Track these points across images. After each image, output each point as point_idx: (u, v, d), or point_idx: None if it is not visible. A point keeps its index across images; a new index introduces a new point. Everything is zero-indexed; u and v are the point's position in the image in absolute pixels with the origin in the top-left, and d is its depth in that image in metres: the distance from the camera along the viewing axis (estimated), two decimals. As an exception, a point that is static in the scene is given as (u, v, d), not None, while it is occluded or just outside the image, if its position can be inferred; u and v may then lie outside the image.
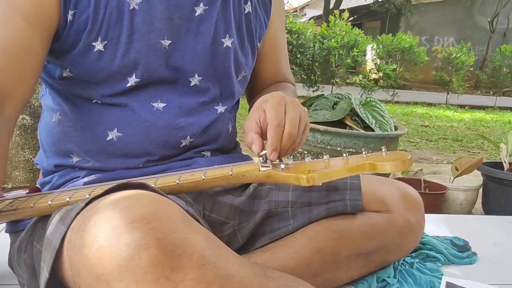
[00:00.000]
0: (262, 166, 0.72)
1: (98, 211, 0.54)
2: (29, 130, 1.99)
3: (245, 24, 0.87)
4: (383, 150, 0.72)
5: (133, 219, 0.50)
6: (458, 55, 7.50)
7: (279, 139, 0.70)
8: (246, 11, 0.87)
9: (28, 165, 2.00)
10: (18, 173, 2.01)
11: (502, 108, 7.84)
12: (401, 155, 0.71)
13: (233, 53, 0.84)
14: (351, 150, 1.98)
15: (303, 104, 2.42)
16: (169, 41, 0.77)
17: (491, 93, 8.87)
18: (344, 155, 0.74)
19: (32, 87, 0.72)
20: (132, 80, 0.75)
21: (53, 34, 0.72)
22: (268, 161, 0.72)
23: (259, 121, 0.73)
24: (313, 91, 6.68)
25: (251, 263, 0.56)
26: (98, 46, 0.73)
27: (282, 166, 0.71)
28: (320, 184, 0.68)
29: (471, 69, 7.82)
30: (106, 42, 0.73)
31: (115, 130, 0.77)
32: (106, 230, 0.50)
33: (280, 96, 0.74)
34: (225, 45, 0.83)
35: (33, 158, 1.96)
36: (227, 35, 0.83)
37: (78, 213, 0.58)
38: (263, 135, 0.73)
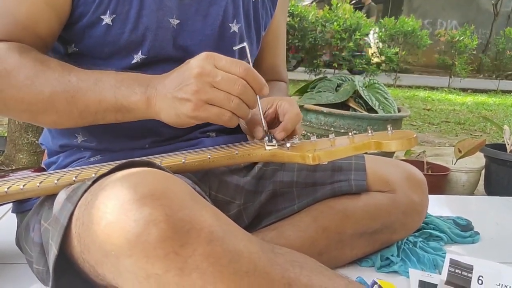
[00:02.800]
0: (267, 145, 0.72)
1: (106, 188, 0.54)
2: (31, 114, 1.98)
3: (252, 11, 0.86)
4: (389, 129, 0.72)
5: (141, 196, 0.50)
6: (461, 38, 7.42)
7: (294, 125, 0.74)
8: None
9: (31, 147, 2.00)
10: (21, 156, 2.01)
11: (505, 92, 7.78)
12: (407, 133, 0.71)
13: (239, 39, 0.84)
14: (354, 132, 1.97)
15: (306, 87, 2.41)
16: (178, 21, 0.76)
17: (494, 76, 8.81)
18: (350, 134, 0.74)
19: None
20: (137, 57, 0.75)
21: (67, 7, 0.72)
22: (273, 140, 0.73)
23: (265, 112, 0.76)
24: (315, 75, 6.65)
25: (259, 240, 0.56)
26: (106, 19, 0.72)
27: (288, 145, 0.71)
28: (326, 162, 0.68)
29: (474, 52, 7.74)
30: (114, 16, 0.73)
31: None
32: (114, 207, 0.51)
33: (298, 108, 0.79)
34: (232, 30, 0.83)
35: (36, 141, 1.97)
36: (235, 20, 0.83)
37: (85, 191, 0.58)
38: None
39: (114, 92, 0.66)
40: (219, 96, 0.62)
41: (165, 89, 0.64)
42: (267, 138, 0.73)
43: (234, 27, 0.83)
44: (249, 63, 0.68)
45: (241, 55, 0.86)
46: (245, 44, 0.71)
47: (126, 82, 0.66)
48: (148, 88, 0.65)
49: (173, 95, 0.63)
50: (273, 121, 0.76)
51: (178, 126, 0.66)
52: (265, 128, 0.73)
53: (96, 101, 0.66)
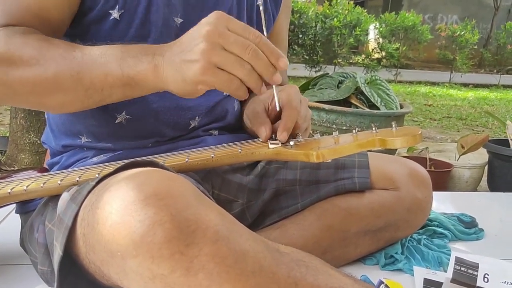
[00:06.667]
0: (271, 144, 0.72)
1: (110, 189, 0.54)
2: (33, 113, 1.98)
3: (255, 15, 0.86)
4: (393, 125, 0.72)
5: (146, 196, 0.50)
6: (462, 33, 7.40)
7: (294, 120, 0.71)
8: (258, 2, 0.86)
9: (33, 147, 2.00)
10: (23, 156, 2.01)
11: (506, 86, 7.75)
12: (411, 130, 0.71)
13: None
14: (357, 128, 1.98)
15: (307, 83, 2.41)
16: (181, 20, 0.76)
17: (495, 71, 8.78)
18: (354, 131, 0.73)
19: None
20: None
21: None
22: (277, 138, 0.72)
23: (268, 106, 0.75)
24: (316, 71, 6.63)
25: (264, 239, 0.56)
26: (115, 14, 0.72)
27: (291, 143, 0.71)
28: (330, 160, 0.68)
29: (475, 47, 7.71)
30: (123, 11, 0.72)
31: (124, 113, 0.76)
32: (119, 207, 0.51)
33: (296, 89, 0.76)
34: None
35: (38, 141, 1.97)
36: None
37: (90, 191, 0.58)
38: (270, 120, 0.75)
39: (120, 64, 0.62)
40: (230, 59, 0.57)
41: (172, 53, 0.60)
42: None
43: None
44: (263, 32, 0.64)
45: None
46: (260, 3, 0.68)
47: (132, 52, 0.62)
48: (155, 55, 0.61)
49: (181, 57, 0.58)
50: (277, 115, 0.74)
51: (186, 94, 0.62)
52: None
53: (101, 76, 0.62)
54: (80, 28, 0.74)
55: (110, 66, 0.62)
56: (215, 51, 0.57)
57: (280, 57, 0.60)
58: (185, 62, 0.58)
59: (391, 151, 2.02)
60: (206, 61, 0.57)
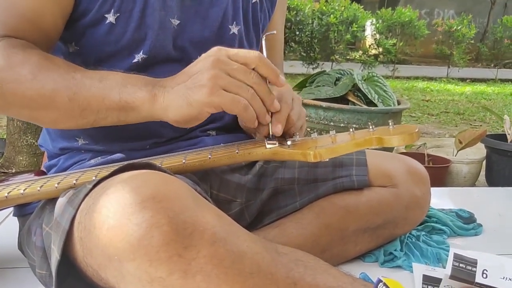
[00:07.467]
0: (268, 144, 0.72)
1: (107, 192, 0.54)
2: (30, 115, 1.98)
3: (251, 14, 0.86)
4: (390, 123, 0.72)
5: (143, 199, 0.50)
6: (459, 27, 7.41)
7: (286, 114, 0.71)
8: (253, 0, 0.86)
9: (31, 149, 2.00)
10: (21, 158, 2.01)
11: (503, 80, 7.76)
12: (408, 128, 0.71)
13: (238, 41, 0.83)
14: (354, 126, 1.97)
15: (305, 81, 2.40)
16: (178, 21, 0.76)
17: (492, 65, 8.79)
18: (351, 130, 0.73)
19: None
20: (138, 57, 0.74)
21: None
22: (274, 138, 0.72)
23: None
24: (313, 68, 6.63)
25: (262, 239, 0.56)
26: (110, 18, 0.71)
27: (289, 142, 0.71)
28: (327, 159, 0.68)
29: (472, 41, 7.72)
30: (118, 14, 0.72)
31: None
32: (116, 210, 0.51)
33: (288, 87, 0.78)
34: (231, 32, 0.82)
35: (35, 143, 1.96)
36: (234, 23, 0.82)
37: (86, 194, 0.58)
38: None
39: (119, 89, 0.64)
40: (235, 83, 0.62)
41: (175, 83, 0.64)
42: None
43: (234, 29, 0.82)
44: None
45: None
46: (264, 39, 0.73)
47: (133, 80, 0.65)
48: (156, 86, 0.64)
49: (186, 85, 0.62)
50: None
51: (188, 120, 0.64)
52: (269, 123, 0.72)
53: (99, 99, 0.64)
54: (75, 33, 0.73)
55: (109, 90, 0.64)
56: (222, 76, 0.61)
57: (278, 75, 0.66)
58: (192, 88, 0.62)
59: (389, 148, 2.03)
60: (213, 84, 0.61)
